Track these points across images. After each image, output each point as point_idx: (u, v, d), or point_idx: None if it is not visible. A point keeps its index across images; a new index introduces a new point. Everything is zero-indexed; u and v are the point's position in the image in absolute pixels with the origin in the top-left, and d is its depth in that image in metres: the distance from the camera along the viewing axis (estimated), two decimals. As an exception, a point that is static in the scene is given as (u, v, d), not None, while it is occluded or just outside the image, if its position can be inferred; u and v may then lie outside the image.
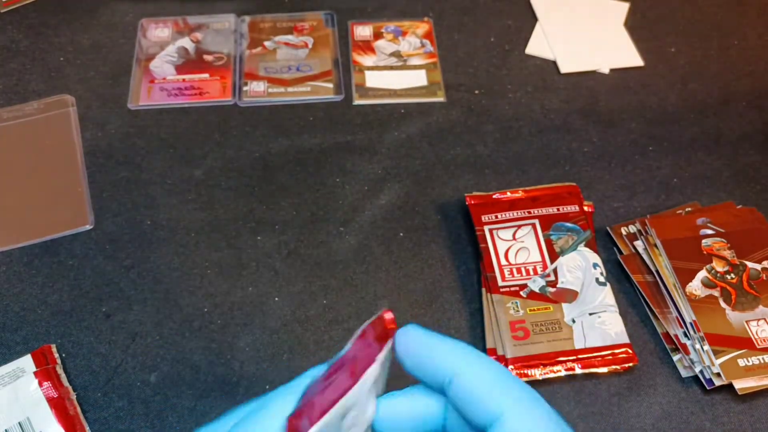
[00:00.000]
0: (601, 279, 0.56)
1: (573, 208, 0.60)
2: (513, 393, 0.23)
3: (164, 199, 0.63)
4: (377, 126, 0.69)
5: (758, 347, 0.52)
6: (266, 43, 0.75)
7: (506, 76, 0.74)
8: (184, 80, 0.71)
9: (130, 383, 0.53)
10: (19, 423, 0.49)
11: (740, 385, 0.51)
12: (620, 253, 0.60)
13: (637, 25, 0.79)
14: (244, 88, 0.71)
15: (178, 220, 0.62)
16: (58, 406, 0.49)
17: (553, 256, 0.57)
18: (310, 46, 0.75)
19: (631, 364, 0.53)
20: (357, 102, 0.71)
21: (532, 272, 0.57)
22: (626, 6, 0.81)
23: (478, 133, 0.69)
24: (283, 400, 0.23)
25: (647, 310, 0.57)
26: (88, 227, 0.61)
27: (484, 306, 0.56)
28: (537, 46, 0.77)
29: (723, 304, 0.54)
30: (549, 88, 0.73)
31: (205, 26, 0.76)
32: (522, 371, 0.52)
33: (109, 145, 0.66)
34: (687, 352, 0.53)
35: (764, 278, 0.56)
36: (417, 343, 0.24)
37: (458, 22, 0.79)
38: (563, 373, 0.52)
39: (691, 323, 0.53)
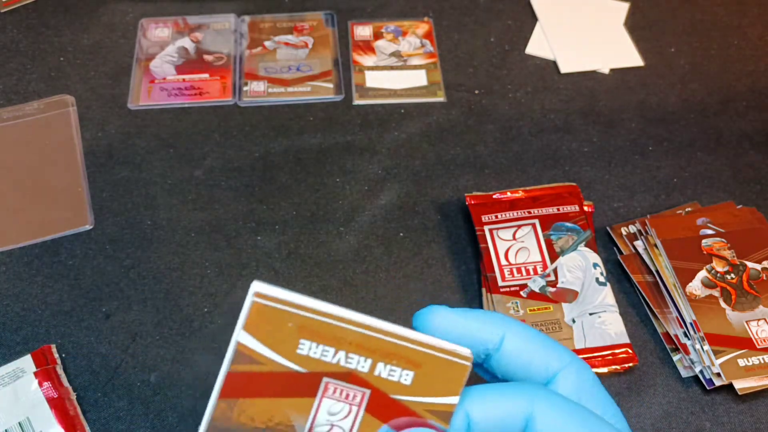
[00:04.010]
0: (601, 279, 0.56)
1: (573, 208, 0.60)
2: (564, 350, 0.23)
3: (164, 199, 0.63)
4: (377, 126, 0.69)
5: (758, 347, 0.52)
6: (266, 43, 0.75)
7: (506, 76, 0.74)
8: (184, 80, 0.71)
9: (130, 383, 0.53)
10: (19, 423, 0.49)
11: (740, 385, 0.51)
12: (620, 253, 0.60)
13: (637, 25, 0.79)
14: (244, 88, 0.71)
15: (178, 220, 0.62)
16: (58, 406, 0.49)
17: (553, 256, 0.57)
18: (310, 46, 0.75)
19: (631, 364, 0.53)
20: (357, 102, 0.71)
21: (532, 272, 0.57)
22: (626, 6, 0.81)
23: (478, 133, 0.69)
24: None
25: (647, 310, 0.57)
26: (88, 227, 0.61)
27: (484, 306, 0.56)
28: (537, 46, 0.77)
29: (723, 304, 0.54)
30: (549, 88, 0.73)
31: (205, 26, 0.76)
32: (522, 371, 0.52)
33: (109, 145, 0.66)
34: (687, 352, 0.53)
35: (764, 278, 0.56)
36: (450, 318, 0.24)
37: (458, 22, 0.79)
38: (563, 373, 0.52)
39: (691, 323, 0.53)
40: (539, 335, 0.24)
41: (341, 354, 0.22)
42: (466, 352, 0.22)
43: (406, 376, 0.22)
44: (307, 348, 0.21)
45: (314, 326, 0.21)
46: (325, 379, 0.22)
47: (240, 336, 0.21)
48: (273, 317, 0.21)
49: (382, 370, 0.22)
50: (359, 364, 0.22)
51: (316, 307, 0.21)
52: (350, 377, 0.22)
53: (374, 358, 0.22)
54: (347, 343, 0.21)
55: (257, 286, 0.21)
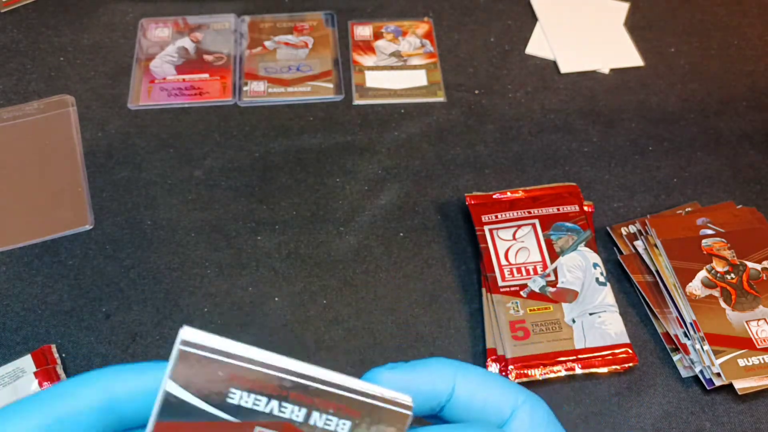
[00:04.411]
0: (601, 279, 0.56)
1: (573, 208, 0.60)
2: (517, 389, 0.23)
3: (164, 199, 0.63)
4: (377, 126, 0.69)
5: (758, 347, 0.52)
6: (266, 43, 0.75)
7: (506, 76, 0.74)
8: (184, 80, 0.71)
9: (130, 383, 0.53)
10: (19, 423, 0.49)
11: (740, 385, 0.51)
12: (620, 253, 0.60)
13: (637, 25, 0.79)
14: (244, 88, 0.71)
15: (178, 220, 0.62)
16: (58, 406, 0.49)
17: (553, 256, 0.57)
18: (310, 46, 0.75)
19: (631, 364, 0.53)
20: (357, 102, 0.71)
21: (532, 272, 0.57)
22: (626, 6, 0.81)
23: (478, 133, 0.69)
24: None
25: (647, 310, 0.57)
26: (88, 227, 0.61)
27: (484, 306, 0.56)
28: (537, 46, 0.77)
29: (723, 304, 0.54)
30: (549, 88, 0.73)
31: (205, 26, 0.76)
32: (522, 371, 0.52)
33: (109, 145, 0.67)
34: (687, 352, 0.53)
35: (764, 278, 0.56)
36: (394, 378, 0.23)
37: (458, 22, 0.79)
38: (563, 373, 0.52)
39: (691, 323, 0.53)
40: (491, 376, 0.23)
41: (274, 403, 0.21)
42: (406, 400, 0.21)
43: (343, 426, 0.21)
44: (239, 397, 0.20)
45: (245, 374, 0.20)
46: (257, 429, 0.21)
47: (167, 385, 0.20)
48: (201, 366, 0.20)
49: (318, 419, 0.21)
50: (293, 413, 0.21)
51: (246, 354, 0.20)
52: (284, 427, 0.21)
53: (309, 406, 0.21)
54: (281, 391, 0.20)
55: (185, 333, 0.20)
